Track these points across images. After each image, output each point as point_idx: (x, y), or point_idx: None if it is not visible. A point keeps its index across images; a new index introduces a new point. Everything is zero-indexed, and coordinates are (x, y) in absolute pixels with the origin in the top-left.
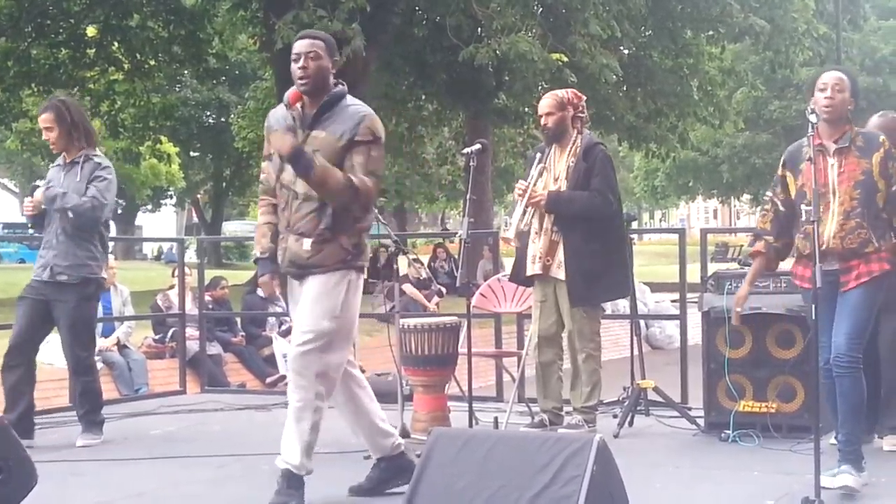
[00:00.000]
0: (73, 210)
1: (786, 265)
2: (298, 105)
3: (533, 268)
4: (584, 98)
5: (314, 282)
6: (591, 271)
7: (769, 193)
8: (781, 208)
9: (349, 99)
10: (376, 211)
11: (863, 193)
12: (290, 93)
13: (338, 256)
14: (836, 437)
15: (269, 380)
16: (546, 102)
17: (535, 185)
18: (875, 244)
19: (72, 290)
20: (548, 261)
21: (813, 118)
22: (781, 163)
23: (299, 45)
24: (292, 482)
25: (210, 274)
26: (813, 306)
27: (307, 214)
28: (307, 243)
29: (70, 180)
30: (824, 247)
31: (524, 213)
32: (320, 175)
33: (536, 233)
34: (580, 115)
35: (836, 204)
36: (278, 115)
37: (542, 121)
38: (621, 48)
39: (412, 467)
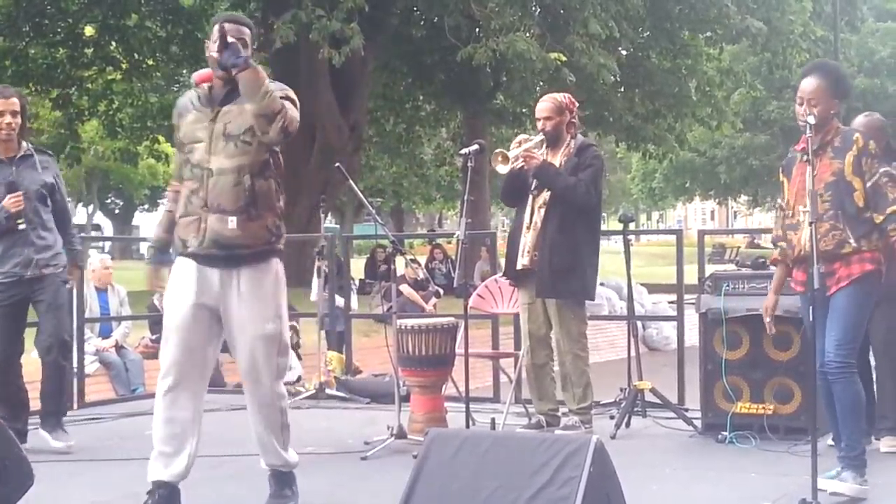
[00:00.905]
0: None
1: None
2: (205, 85)
3: (521, 260)
4: (577, 104)
5: (247, 279)
6: (561, 265)
7: (780, 201)
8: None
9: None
10: (374, 211)
11: (834, 195)
12: (199, 74)
13: (263, 237)
14: (832, 439)
15: None
16: (546, 106)
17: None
18: (853, 244)
19: (51, 277)
20: (534, 255)
21: (811, 120)
22: (780, 169)
23: (230, 29)
24: (284, 480)
25: None
26: (810, 308)
27: (226, 190)
28: (232, 221)
29: (29, 174)
30: (802, 252)
31: (514, 160)
32: (258, 69)
33: (527, 227)
34: (573, 120)
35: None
36: (184, 102)
37: (541, 125)
38: (620, 49)
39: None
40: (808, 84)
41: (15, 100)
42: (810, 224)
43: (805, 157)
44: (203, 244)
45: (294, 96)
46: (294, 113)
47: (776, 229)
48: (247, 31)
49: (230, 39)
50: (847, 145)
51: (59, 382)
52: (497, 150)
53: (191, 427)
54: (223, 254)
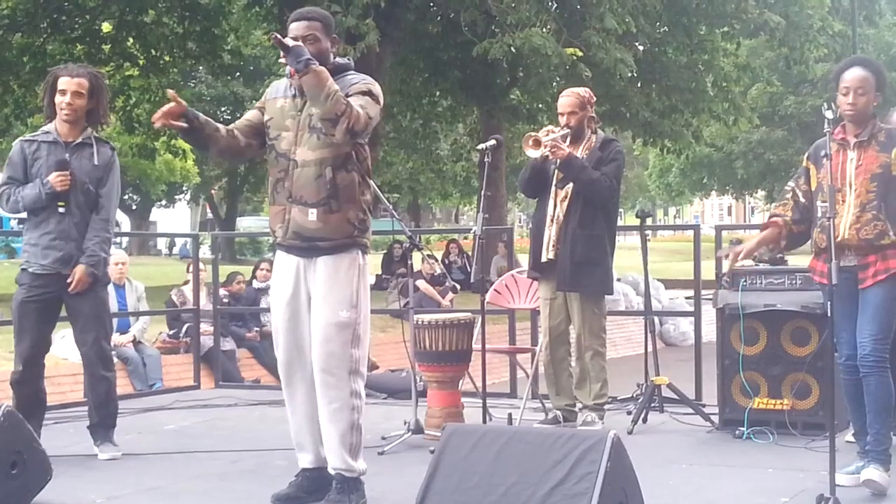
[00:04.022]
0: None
1: (802, 262)
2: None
3: (547, 254)
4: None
5: (323, 267)
6: (582, 258)
7: (791, 184)
8: (802, 199)
9: (353, 73)
10: (391, 207)
11: (879, 186)
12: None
13: (345, 230)
14: (852, 435)
15: None
16: (569, 101)
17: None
18: (892, 237)
19: (91, 278)
20: (558, 248)
21: (829, 115)
22: (806, 155)
23: (295, 28)
24: (345, 486)
25: (224, 269)
26: (828, 303)
27: (309, 182)
28: (313, 213)
29: (84, 163)
30: (840, 238)
31: (545, 145)
32: (319, 72)
33: (551, 220)
34: (593, 115)
35: (853, 196)
36: (279, 85)
37: (565, 119)
38: (636, 43)
39: (329, 484)
40: (855, 73)
41: (82, 80)
42: (828, 220)
43: (825, 154)
44: (287, 235)
45: (377, 90)
46: (364, 112)
47: (781, 209)
48: (317, 24)
49: (290, 43)
50: (894, 141)
51: (105, 394)
52: (529, 134)
53: (312, 415)
54: (304, 245)
